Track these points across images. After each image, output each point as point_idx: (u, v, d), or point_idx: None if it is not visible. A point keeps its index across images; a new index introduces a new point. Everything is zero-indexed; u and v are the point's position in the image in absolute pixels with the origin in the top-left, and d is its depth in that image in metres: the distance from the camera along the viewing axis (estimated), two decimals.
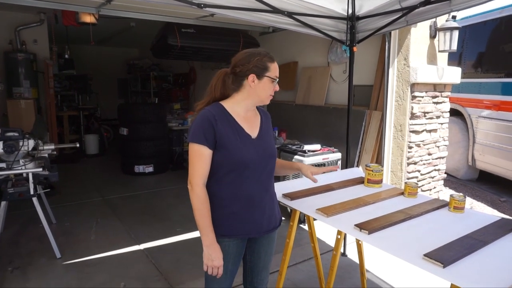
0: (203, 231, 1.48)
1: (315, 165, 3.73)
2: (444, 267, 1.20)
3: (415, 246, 1.36)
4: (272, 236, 1.70)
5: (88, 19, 4.56)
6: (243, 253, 1.66)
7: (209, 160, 1.50)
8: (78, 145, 3.36)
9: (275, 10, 2.51)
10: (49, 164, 3.14)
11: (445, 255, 1.25)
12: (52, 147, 3.18)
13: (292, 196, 1.89)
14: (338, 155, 3.91)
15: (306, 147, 3.86)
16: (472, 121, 5.46)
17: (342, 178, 2.26)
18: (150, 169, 5.80)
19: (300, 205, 1.82)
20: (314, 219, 1.86)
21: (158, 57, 6.16)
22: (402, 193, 1.98)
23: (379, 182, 2.11)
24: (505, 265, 1.24)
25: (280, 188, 1.98)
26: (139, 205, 4.46)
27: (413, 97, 3.68)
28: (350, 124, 3.12)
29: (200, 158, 1.49)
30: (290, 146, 4.03)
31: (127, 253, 3.19)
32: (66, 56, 7.22)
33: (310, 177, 1.87)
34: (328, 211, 1.66)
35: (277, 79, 1.56)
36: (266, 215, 1.61)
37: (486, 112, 5.20)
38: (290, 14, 2.57)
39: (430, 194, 4.12)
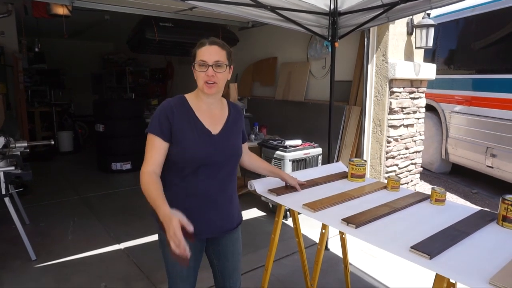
0: (155, 204, 1.32)
1: (297, 160, 3.75)
2: (430, 258, 1.22)
3: (401, 239, 1.38)
4: (234, 236, 1.65)
5: (61, 10, 4.37)
6: (203, 249, 1.62)
7: (162, 151, 1.45)
8: (52, 142, 3.23)
9: (257, 4, 2.49)
10: (22, 162, 3.00)
11: (430, 247, 1.28)
12: (25, 144, 3.04)
13: (278, 192, 1.89)
14: (319, 150, 3.94)
15: (288, 143, 3.87)
16: (445, 116, 5.64)
17: (326, 173, 2.27)
18: (127, 166, 5.67)
19: (286, 201, 1.82)
20: (299, 213, 1.86)
21: (135, 51, 6.02)
22: (385, 187, 2.02)
23: (362, 176, 2.13)
24: (487, 255, 1.28)
25: (264, 184, 1.98)
26: (118, 203, 4.36)
27: (392, 93, 3.76)
28: (331, 119, 3.15)
29: (151, 147, 1.46)
30: (271, 141, 4.03)
31: (107, 253, 3.11)
32: (36, 49, 6.92)
33: (296, 186, 1.92)
34: (314, 206, 1.67)
35: (205, 62, 1.43)
36: (223, 215, 1.57)
37: (458, 108, 5.39)
38: (273, 9, 2.56)
39: (407, 187, 4.23)
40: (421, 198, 1.84)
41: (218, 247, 1.63)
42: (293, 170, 3.75)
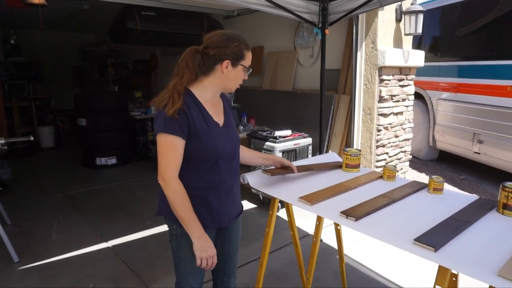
0: (189, 224, 1.40)
1: (287, 151, 3.69)
2: (435, 251, 1.18)
3: (403, 231, 1.34)
4: (239, 220, 1.70)
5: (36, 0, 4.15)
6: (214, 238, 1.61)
7: (182, 152, 1.41)
8: (32, 138, 3.07)
9: None
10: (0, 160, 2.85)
11: (434, 239, 1.23)
12: (2, 141, 2.89)
13: (272, 172, 1.82)
14: (309, 140, 3.89)
15: (277, 133, 3.80)
16: (433, 103, 5.66)
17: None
18: (113, 161, 5.51)
19: (281, 194, 1.75)
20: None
21: (117, 42, 5.80)
22: (381, 177, 1.97)
23: (357, 166, 2.08)
24: (492, 245, 1.24)
25: (258, 177, 1.90)
26: (104, 199, 4.23)
27: (381, 81, 3.72)
28: (319, 109, 3.09)
29: (174, 150, 1.38)
30: (260, 132, 3.95)
31: (94, 252, 3.00)
32: (12, 41, 6.63)
33: (292, 166, 1.88)
34: (311, 199, 1.61)
35: (250, 70, 1.50)
36: (234, 202, 1.62)
37: (445, 95, 5.41)
38: None
39: (398, 176, 4.23)
40: (418, 187, 1.80)
41: (226, 231, 1.65)
42: None
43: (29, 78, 7.59)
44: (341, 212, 1.47)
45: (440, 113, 5.52)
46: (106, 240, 3.18)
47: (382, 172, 1.99)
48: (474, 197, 1.69)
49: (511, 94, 4.41)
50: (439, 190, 1.74)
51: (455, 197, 1.70)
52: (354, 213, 1.45)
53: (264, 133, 3.88)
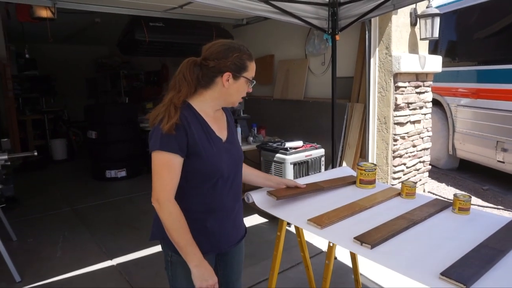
0: (187, 251, 1.26)
1: (298, 163, 3.53)
2: None
3: (426, 261, 1.17)
4: (241, 243, 1.56)
5: (44, 13, 4.14)
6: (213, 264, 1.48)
7: (180, 171, 1.28)
8: (36, 153, 3.01)
9: None
10: (2, 176, 2.79)
11: (465, 273, 1.06)
12: (5, 157, 2.83)
13: (278, 194, 1.66)
14: (321, 151, 3.72)
15: (288, 144, 3.64)
16: (451, 110, 5.41)
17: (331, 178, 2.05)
18: (122, 173, 5.45)
19: (289, 215, 1.60)
20: None
21: (126, 54, 5.80)
22: (399, 194, 1.80)
23: (373, 182, 1.92)
24: None
25: (263, 195, 1.75)
26: (111, 213, 4.14)
27: (397, 88, 3.54)
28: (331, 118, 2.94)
29: (169, 169, 1.25)
30: (270, 144, 3.81)
31: (97, 270, 2.89)
32: (27, 55, 6.71)
33: (298, 185, 1.76)
34: (321, 222, 1.45)
35: (254, 82, 1.37)
36: (235, 225, 1.48)
37: (464, 101, 5.17)
38: (267, 0, 2.33)
39: (416, 187, 4.01)
40: (441, 206, 1.62)
41: (226, 257, 1.53)
42: (294, 173, 3.53)
43: (42, 91, 7.66)
44: (355, 238, 1.31)
45: (460, 120, 5.27)
46: (111, 258, 3.07)
47: (400, 188, 1.82)
48: (505, 218, 1.51)
49: None
50: (465, 210, 1.56)
51: (484, 218, 1.52)
52: (370, 239, 1.29)
53: (275, 145, 3.74)
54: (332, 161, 2.98)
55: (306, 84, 4.89)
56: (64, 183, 5.43)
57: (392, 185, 3.71)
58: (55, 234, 3.56)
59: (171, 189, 1.27)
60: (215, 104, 1.38)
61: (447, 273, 1.06)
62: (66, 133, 7.40)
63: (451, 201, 1.64)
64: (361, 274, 2.45)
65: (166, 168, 1.25)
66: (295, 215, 1.59)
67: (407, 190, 1.76)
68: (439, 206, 1.62)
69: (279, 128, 5.06)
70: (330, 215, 1.52)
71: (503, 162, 4.62)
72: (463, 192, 4.84)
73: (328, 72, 4.51)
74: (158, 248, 3.20)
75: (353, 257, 2.16)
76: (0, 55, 5.81)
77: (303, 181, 1.90)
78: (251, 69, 1.35)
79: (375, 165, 1.93)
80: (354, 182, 1.98)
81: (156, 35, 4.82)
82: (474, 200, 4.50)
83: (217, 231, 1.38)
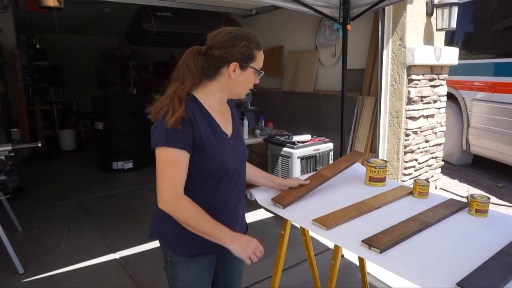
0: (216, 235, 1.20)
1: (306, 157, 3.44)
2: None
3: (440, 269, 1.07)
4: None
5: (51, 2, 4.09)
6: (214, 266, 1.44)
7: (187, 168, 1.20)
8: (39, 144, 2.97)
9: None
10: (6, 167, 2.76)
11: (483, 283, 0.97)
12: (9, 148, 2.79)
13: (283, 201, 1.58)
14: (330, 146, 3.62)
15: (296, 138, 3.55)
16: (466, 104, 5.23)
17: (344, 177, 1.93)
18: (129, 165, 5.43)
19: (293, 215, 1.51)
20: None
21: (134, 44, 5.74)
22: (411, 193, 1.70)
23: (383, 180, 1.81)
24: None
25: (266, 192, 1.67)
26: (117, 206, 4.11)
27: (410, 81, 3.40)
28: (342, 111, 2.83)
29: (177, 166, 1.18)
30: (278, 137, 3.71)
31: (100, 264, 2.86)
32: (37, 46, 6.70)
33: (302, 183, 1.67)
34: (327, 222, 1.36)
35: (262, 73, 1.28)
36: (238, 223, 1.42)
37: (480, 95, 4.98)
38: None
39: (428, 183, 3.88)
40: (457, 207, 1.51)
41: (227, 256, 1.44)
42: (302, 168, 3.44)
43: (51, 81, 7.67)
44: (363, 241, 1.22)
45: (475, 114, 5.09)
46: (114, 251, 3.04)
47: (412, 187, 1.71)
48: None
49: None
50: (483, 212, 1.45)
51: (504, 221, 1.41)
52: (379, 243, 1.20)
53: (282, 138, 3.65)
54: (341, 156, 2.88)
55: (316, 77, 4.77)
56: (71, 174, 5.44)
57: (403, 181, 3.59)
58: (60, 226, 3.55)
59: (180, 186, 1.19)
60: (221, 96, 1.30)
61: (463, 284, 0.97)
62: (75, 124, 7.41)
63: (467, 200, 1.54)
64: (368, 274, 2.36)
65: (173, 165, 1.18)
66: (300, 214, 1.50)
67: (420, 189, 1.65)
68: (454, 207, 1.52)
69: (287, 121, 4.96)
70: (336, 215, 1.43)
71: None
72: (481, 193, 4.70)
73: (339, 64, 4.38)
74: None
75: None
76: (10, 45, 5.80)
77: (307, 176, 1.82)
78: (259, 59, 1.26)
79: (386, 161, 1.82)
80: (357, 161, 1.88)
81: (164, 25, 4.74)
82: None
83: None
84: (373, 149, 3.81)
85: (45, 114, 7.08)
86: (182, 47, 6.99)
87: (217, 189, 1.27)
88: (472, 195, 1.49)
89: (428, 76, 3.55)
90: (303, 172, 3.44)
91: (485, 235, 1.29)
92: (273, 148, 3.61)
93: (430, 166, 3.87)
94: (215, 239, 1.20)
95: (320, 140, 3.60)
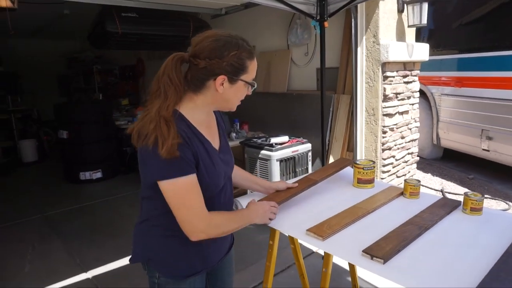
0: (243, 224, 1.22)
1: (285, 159, 3.35)
2: None
3: (450, 276, 1.00)
4: (231, 253, 1.41)
5: (3, 2, 3.76)
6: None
7: (199, 185, 1.10)
8: None
9: None
10: None
11: None
12: None
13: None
14: (308, 146, 3.56)
15: (273, 140, 3.46)
16: (435, 99, 5.35)
17: (331, 179, 1.85)
18: (98, 174, 5.14)
19: (283, 224, 1.40)
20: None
21: (97, 47, 5.45)
22: (402, 193, 1.64)
23: (371, 181, 1.75)
24: None
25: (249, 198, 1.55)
26: (86, 219, 3.85)
27: (385, 78, 3.40)
28: (318, 110, 2.76)
29: (193, 191, 1.07)
30: (255, 140, 3.61)
31: (70, 285, 2.63)
32: None
33: (290, 185, 1.58)
34: (322, 232, 1.27)
35: (255, 85, 1.14)
36: (227, 236, 1.33)
37: (449, 90, 5.11)
38: None
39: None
40: (451, 207, 1.46)
41: (217, 270, 1.34)
42: (281, 170, 3.35)
43: (8, 89, 7.16)
44: (364, 252, 1.13)
45: (444, 109, 5.22)
46: (85, 270, 2.81)
47: (402, 187, 1.65)
48: None
49: None
50: (478, 210, 1.41)
51: (499, 219, 1.37)
52: (381, 252, 1.11)
53: (259, 140, 3.55)
54: (322, 156, 2.82)
55: (289, 76, 4.71)
56: (34, 187, 5.07)
57: (382, 179, 3.58)
58: (24, 245, 3.26)
59: (204, 208, 1.09)
60: (208, 109, 1.17)
61: None
62: (36, 133, 6.97)
63: (460, 200, 1.50)
64: (359, 277, 2.29)
65: (189, 193, 1.06)
66: (289, 223, 1.40)
67: (412, 189, 1.59)
68: (448, 207, 1.47)
69: (262, 122, 4.87)
70: (331, 223, 1.33)
71: (488, 151, 4.59)
72: (454, 185, 4.80)
73: (312, 63, 4.34)
74: None
75: None
76: None
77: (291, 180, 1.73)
78: (252, 70, 1.12)
79: (374, 162, 1.76)
80: (345, 167, 1.81)
81: (129, 26, 4.51)
82: (461, 189, 4.46)
83: (211, 247, 1.23)
84: (351, 147, 3.79)
85: (2, 124, 6.60)
86: (149, 50, 6.77)
87: (209, 206, 1.14)
88: (466, 194, 1.44)
89: (401, 73, 3.57)
90: (282, 174, 3.36)
91: (484, 235, 1.24)
92: (251, 151, 3.50)
93: (406, 162, 3.90)
94: (245, 225, 1.22)
95: (298, 141, 3.53)
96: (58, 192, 4.79)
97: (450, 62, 5.10)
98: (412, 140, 3.91)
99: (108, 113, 5.39)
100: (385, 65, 3.36)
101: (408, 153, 3.91)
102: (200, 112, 1.14)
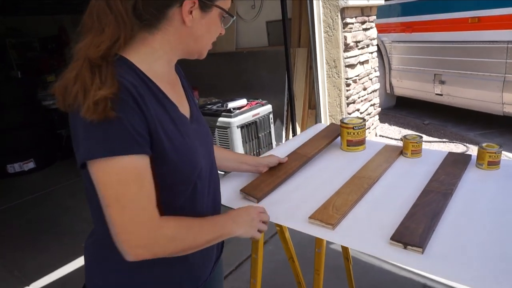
0: (220, 234, 0.83)
1: (246, 125, 3.03)
2: None
3: (503, 261, 0.77)
4: (220, 261, 1.10)
5: None
6: None
7: (152, 177, 0.71)
8: None
9: None
10: None
11: None
12: None
13: (257, 193, 1.16)
14: (268, 108, 3.26)
15: (231, 105, 3.10)
16: (386, 47, 5.26)
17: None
18: (30, 165, 4.45)
19: (276, 213, 1.08)
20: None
21: (6, 15, 4.54)
22: (401, 152, 1.40)
23: (363, 142, 1.49)
24: None
25: (232, 186, 1.23)
26: (22, 220, 3.29)
27: (345, 25, 3.12)
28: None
29: (139, 182, 0.67)
30: (209, 106, 3.22)
31: None
32: None
33: (281, 160, 1.31)
34: (329, 218, 0.98)
35: (234, 17, 0.82)
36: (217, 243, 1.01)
37: (399, 36, 5.02)
38: None
39: (369, 133, 3.79)
40: (463, 163, 1.24)
41: (205, 285, 1.00)
42: (243, 137, 3.03)
43: None
44: (393, 240, 0.86)
45: (395, 57, 5.16)
46: (27, 282, 2.35)
47: (402, 145, 1.41)
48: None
49: (472, 27, 4.08)
50: (496, 164, 1.20)
51: None
52: (414, 238, 0.85)
53: (215, 107, 3.17)
54: (286, 118, 2.53)
55: (237, 33, 4.28)
56: None
57: None
58: None
59: (153, 210, 0.70)
60: (170, 57, 0.79)
61: None
62: None
63: (470, 154, 1.29)
64: (352, 257, 2.09)
65: (131, 184, 0.66)
66: (283, 211, 1.09)
67: (414, 147, 1.35)
68: (461, 163, 1.24)
69: (213, 87, 4.45)
70: (336, 204, 1.04)
71: (441, 95, 4.63)
72: (413, 132, 4.81)
73: (260, 16, 3.95)
74: None
75: None
76: None
77: (277, 151, 1.42)
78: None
79: (364, 120, 1.48)
80: (334, 139, 1.53)
81: None
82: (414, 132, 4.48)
83: (199, 259, 0.88)
84: (312, 105, 3.54)
85: None
86: (72, 14, 5.85)
87: (192, 201, 0.81)
88: (480, 146, 1.22)
89: (360, 19, 3.32)
90: (244, 141, 3.05)
91: None
92: (207, 120, 3.11)
93: (369, 114, 3.76)
94: (221, 238, 0.84)
95: (257, 103, 3.20)
96: None
97: (398, 7, 4.97)
98: (373, 91, 3.76)
99: (31, 92, 4.61)
100: (344, 11, 3.07)
101: (371, 105, 3.77)
102: (160, 60, 0.76)
